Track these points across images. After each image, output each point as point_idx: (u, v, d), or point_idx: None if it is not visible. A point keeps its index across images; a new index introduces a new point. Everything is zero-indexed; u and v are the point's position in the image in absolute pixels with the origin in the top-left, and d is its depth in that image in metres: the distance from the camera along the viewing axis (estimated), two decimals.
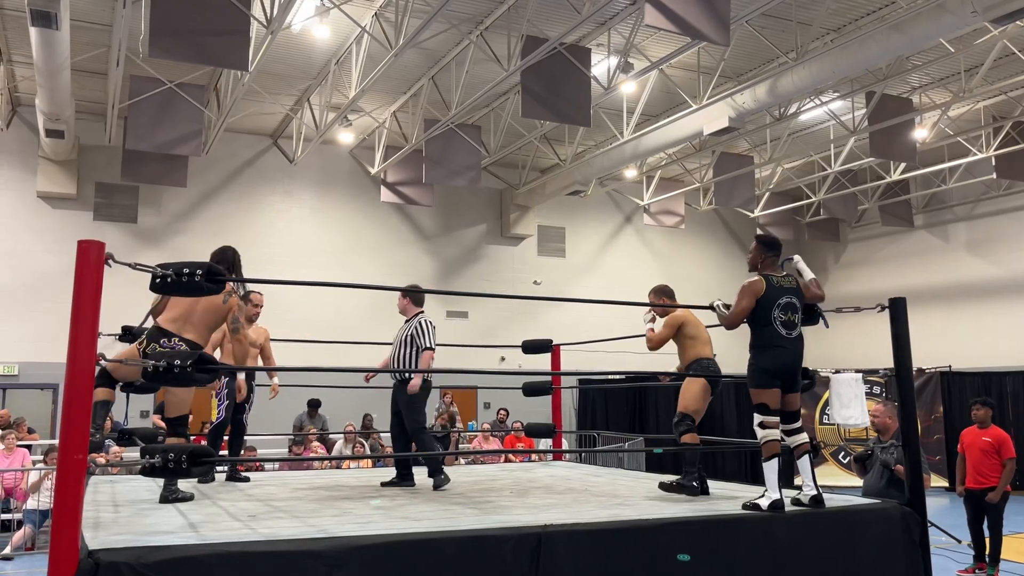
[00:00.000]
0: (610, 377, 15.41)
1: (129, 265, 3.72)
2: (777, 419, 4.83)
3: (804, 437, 4.93)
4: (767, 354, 4.86)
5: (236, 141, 16.11)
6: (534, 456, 10.15)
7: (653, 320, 5.84)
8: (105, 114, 14.21)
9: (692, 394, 5.65)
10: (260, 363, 7.15)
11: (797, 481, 4.98)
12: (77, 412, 3.24)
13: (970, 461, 8.10)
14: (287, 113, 15.32)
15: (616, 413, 17.32)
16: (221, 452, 6.94)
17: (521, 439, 12.91)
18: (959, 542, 9.17)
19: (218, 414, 6.74)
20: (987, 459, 7.97)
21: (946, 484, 13.38)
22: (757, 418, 4.82)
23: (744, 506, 4.67)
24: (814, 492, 4.77)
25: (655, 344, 5.79)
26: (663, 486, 5.33)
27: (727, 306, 5.06)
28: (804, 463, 4.84)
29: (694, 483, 5.30)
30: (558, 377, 8.86)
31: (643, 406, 17.21)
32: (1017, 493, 9.12)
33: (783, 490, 4.71)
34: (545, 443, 11.86)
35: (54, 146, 13.93)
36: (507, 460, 10.91)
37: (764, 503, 4.61)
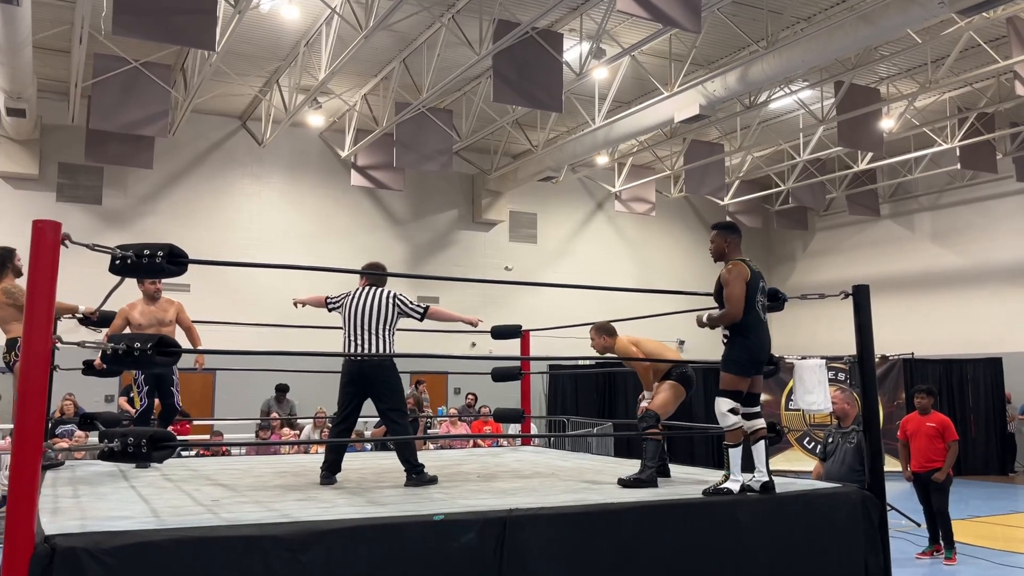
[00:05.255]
0: (580, 363, 15.46)
1: (87, 246, 3.65)
2: (740, 406, 4.86)
3: (762, 423, 4.92)
4: (755, 340, 4.81)
5: (204, 122, 15.87)
6: (503, 441, 10.18)
7: (647, 400, 5.78)
8: (68, 93, 13.91)
9: (666, 398, 5.59)
10: (186, 342, 6.97)
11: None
12: (33, 395, 3.18)
13: (916, 447, 8.37)
14: (256, 95, 15.11)
15: (585, 398, 17.40)
16: None
17: (489, 423, 12.93)
18: (919, 525, 9.35)
19: (141, 402, 6.66)
20: (933, 443, 8.28)
21: None
22: (728, 403, 4.75)
23: (706, 492, 4.68)
24: (765, 479, 4.75)
25: (651, 383, 5.78)
26: (622, 482, 5.29)
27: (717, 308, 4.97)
28: (759, 449, 4.83)
29: (652, 476, 5.27)
30: (527, 362, 8.87)
31: (612, 392, 17.31)
32: (975, 478, 9.34)
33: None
34: (514, 428, 11.89)
35: (15, 125, 13.63)
36: (475, 445, 10.93)
37: (735, 487, 4.63)
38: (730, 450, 4.78)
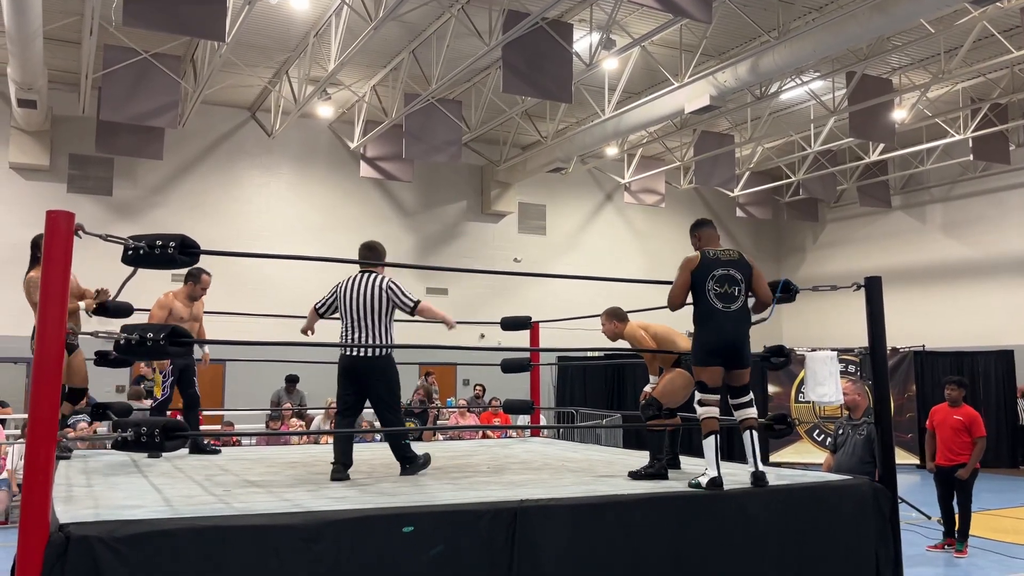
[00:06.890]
0: (589, 354, 15.45)
1: (100, 236, 3.66)
2: (716, 397, 4.77)
3: (751, 412, 4.86)
4: (703, 330, 4.80)
5: (213, 114, 15.90)
6: (512, 432, 10.20)
7: (653, 387, 5.65)
8: (79, 84, 13.95)
9: (672, 385, 5.38)
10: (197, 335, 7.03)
11: (774, 458, 4.96)
12: (47, 384, 3.19)
13: (941, 438, 8.23)
14: (265, 86, 15.12)
15: (594, 390, 17.40)
16: None
17: (498, 415, 12.95)
18: (929, 518, 9.33)
19: (163, 391, 6.69)
20: (958, 437, 8.10)
21: (916, 461, 13.59)
22: (696, 395, 4.80)
23: (689, 485, 4.63)
24: (753, 469, 4.68)
25: (656, 368, 5.69)
26: (632, 475, 5.26)
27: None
28: (747, 439, 4.78)
29: (663, 470, 5.23)
30: (537, 354, 8.87)
31: (621, 383, 17.30)
32: (985, 470, 9.29)
33: (759, 465, 4.72)
34: (523, 419, 11.91)
35: (26, 116, 13.68)
36: (485, 436, 10.96)
37: (704, 481, 4.57)
38: (703, 442, 4.74)
